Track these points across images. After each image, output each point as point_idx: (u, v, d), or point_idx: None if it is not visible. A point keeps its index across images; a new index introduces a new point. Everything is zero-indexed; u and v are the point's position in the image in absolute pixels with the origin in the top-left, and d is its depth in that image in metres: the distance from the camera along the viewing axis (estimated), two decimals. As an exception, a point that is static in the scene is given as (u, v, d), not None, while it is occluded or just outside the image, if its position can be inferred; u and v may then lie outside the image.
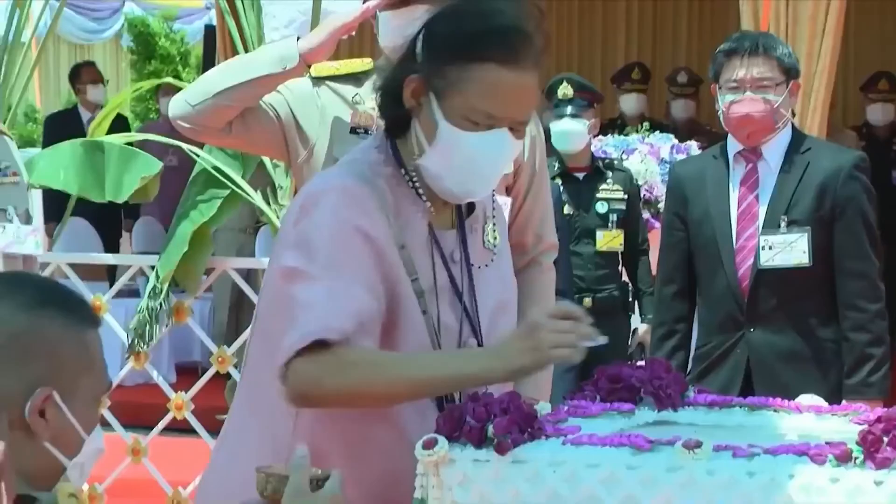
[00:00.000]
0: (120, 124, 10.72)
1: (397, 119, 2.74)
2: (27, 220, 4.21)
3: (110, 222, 10.54)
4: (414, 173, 2.73)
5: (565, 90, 6.57)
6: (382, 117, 2.80)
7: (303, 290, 2.59)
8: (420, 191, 2.73)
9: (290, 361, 2.55)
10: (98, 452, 2.17)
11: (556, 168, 6.42)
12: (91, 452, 2.14)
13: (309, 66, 3.68)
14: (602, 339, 2.63)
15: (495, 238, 2.88)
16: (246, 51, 6.09)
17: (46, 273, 6.34)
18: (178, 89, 4.14)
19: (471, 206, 2.83)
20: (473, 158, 2.66)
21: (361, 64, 3.80)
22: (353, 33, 3.76)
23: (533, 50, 2.64)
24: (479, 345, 2.76)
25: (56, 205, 9.60)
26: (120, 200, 5.97)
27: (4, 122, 5.91)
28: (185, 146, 5.98)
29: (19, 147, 9.55)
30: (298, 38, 3.69)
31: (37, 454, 2.03)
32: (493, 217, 2.89)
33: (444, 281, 2.73)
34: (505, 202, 3.69)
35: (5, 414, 2.01)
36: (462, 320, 2.75)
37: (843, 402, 3.90)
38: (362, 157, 2.77)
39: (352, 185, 2.67)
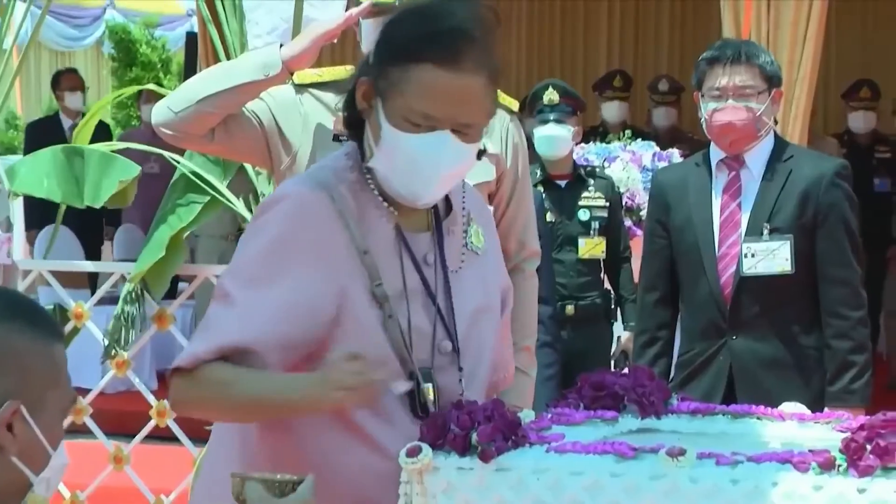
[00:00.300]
0: (102, 131, 10.70)
1: (353, 122, 2.77)
2: (7, 227, 4.18)
3: (92, 230, 10.51)
4: (370, 181, 2.74)
5: (551, 95, 6.57)
6: (344, 122, 2.81)
7: (214, 306, 2.68)
8: (382, 194, 2.73)
9: (172, 373, 2.67)
10: (63, 467, 2.19)
11: (538, 175, 6.42)
12: (57, 467, 2.14)
13: (292, 74, 3.68)
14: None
15: (480, 240, 2.87)
16: (228, 58, 6.07)
17: (28, 280, 6.32)
18: (160, 96, 4.14)
19: (449, 208, 2.83)
20: (414, 160, 2.66)
21: (344, 71, 3.79)
22: (336, 41, 3.77)
23: (476, 52, 2.63)
24: (454, 348, 2.75)
25: (38, 212, 9.58)
26: (98, 205, 5.95)
27: (-15, 130, 5.88)
28: (166, 153, 5.97)
29: (0, 154, 9.49)
30: (281, 45, 3.69)
31: (3, 469, 2.01)
32: (475, 220, 2.89)
33: (415, 284, 2.73)
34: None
35: None
36: (436, 323, 2.74)
37: (826, 409, 3.92)
38: (330, 163, 2.79)
39: (306, 193, 2.69)
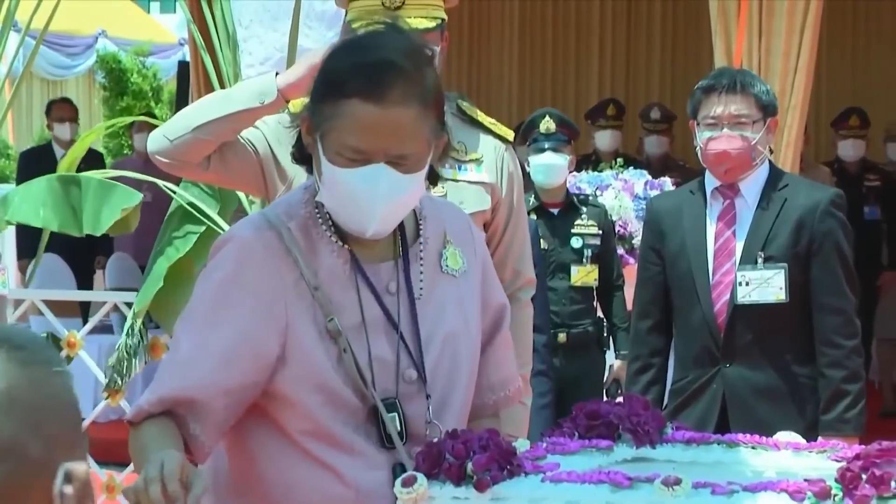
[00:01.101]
0: (94, 160, 10.71)
1: (303, 157, 2.78)
2: (-2, 257, 4.16)
3: (83, 258, 10.50)
4: (319, 215, 2.75)
5: (548, 124, 6.59)
6: (293, 156, 2.82)
7: (166, 355, 2.73)
8: (333, 228, 2.74)
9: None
10: None
11: (531, 202, 6.43)
12: None
13: (287, 101, 3.69)
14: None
15: (458, 262, 2.86)
16: (222, 86, 6.09)
17: (20, 310, 6.31)
18: (152, 126, 4.14)
19: (416, 234, 2.82)
20: (353, 194, 2.66)
21: None
22: None
23: (403, 84, 2.62)
24: (420, 376, 2.74)
25: (29, 241, 9.58)
26: (99, 233, 5.96)
27: (-23, 160, 5.89)
28: (159, 182, 5.97)
29: (-7, 183, 9.46)
30: (277, 74, 3.70)
31: None
32: (453, 242, 2.87)
33: (374, 314, 2.72)
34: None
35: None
36: (399, 352, 2.73)
37: (820, 438, 3.91)
38: (287, 199, 2.82)
39: (250, 234, 2.71)
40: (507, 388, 3.00)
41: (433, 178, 2.78)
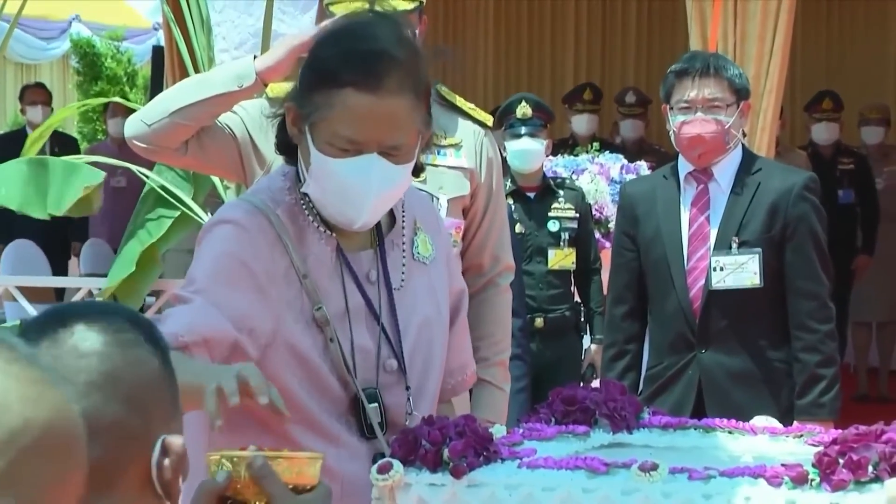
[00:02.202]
0: (69, 145, 10.68)
1: (285, 146, 2.76)
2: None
3: (58, 244, 10.47)
4: (305, 204, 2.74)
5: (524, 109, 6.58)
6: (276, 146, 2.80)
7: (174, 307, 2.69)
8: (319, 217, 2.73)
9: None
10: None
11: (508, 187, 6.42)
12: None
13: (266, 85, 3.67)
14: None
15: (428, 249, 2.86)
16: (197, 71, 6.07)
17: (-5, 295, 6.28)
18: (127, 110, 4.12)
19: (392, 221, 2.82)
20: (344, 185, 2.65)
21: None
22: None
23: (397, 74, 2.61)
24: (400, 365, 2.74)
25: (4, 227, 9.54)
26: (60, 213, 5.92)
27: (-48, 144, 5.86)
28: (133, 167, 5.95)
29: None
30: (256, 57, 3.68)
31: None
32: (423, 229, 2.87)
33: (357, 304, 2.73)
34: (457, 225, 3.69)
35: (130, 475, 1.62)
36: (380, 342, 2.74)
37: (795, 422, 3.92)
38: (267, 185, 2.80)
39: (243, 218, 2.70)
40: (465, 373, 3.01)
41: (417, 170, 2.77)
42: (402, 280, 2.79)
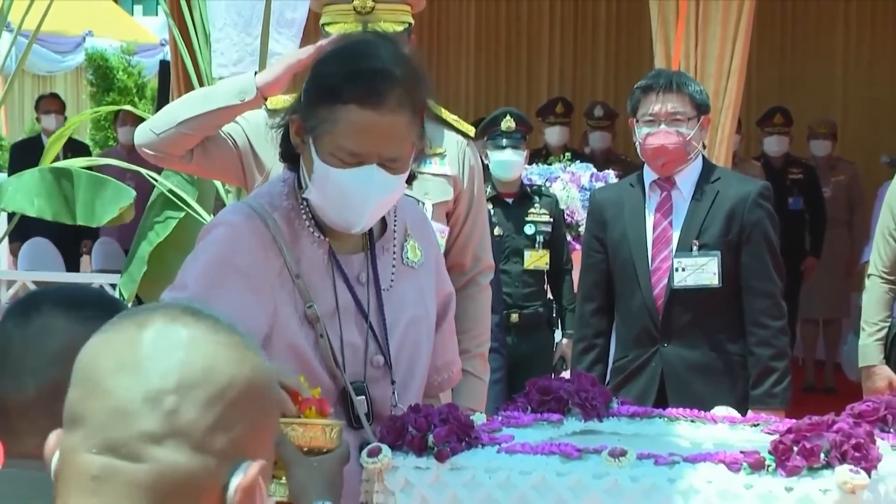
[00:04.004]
0: (81, 151, 10.64)
1: (289, 155, 2.74)
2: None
3: (71, 242, 10.43)
4: (303, 208, 2.72)
5: (509, 123, 6.59)
6: (280, 155, 2.78)
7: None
8: (314, 221, 2.71)
9: None
10: None
11: (487, 192, 6.42)
12: None
13: (265, 99, 3.66)
14: None
15: (417, 254, 2.84)
16: (201, 84, 6.05)
17: (12, 290, 6.25)
18: (136, 117, 4.11)
19: (383, 228, 2.81)
20: (345, 193, 2.64)
21: None
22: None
23: (398, 91, 2.60)
24: (387, 361, 2.73)
25: (21, 226, 9.50)
26: (94, 225, 5.93)
27: (-28, 151, 5.84)
28: (143, 171, 5.93)
29: (-14, 172, 9.34)
30: (256, 73, 3.67)
31: None
32: (413, 235, 2.86)
33: (347, 303, 2.71)
34: (442, 230, 3.68)
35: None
36: (368, 339, 2.72)
37: (749, 411, 3.92)
38: (267, 190, 2.78)
39: (241, 221, 2.68)
40: (451, 371, 3.00)
41: (409, 179, 2.76)
42: (392, 282, 2.78)
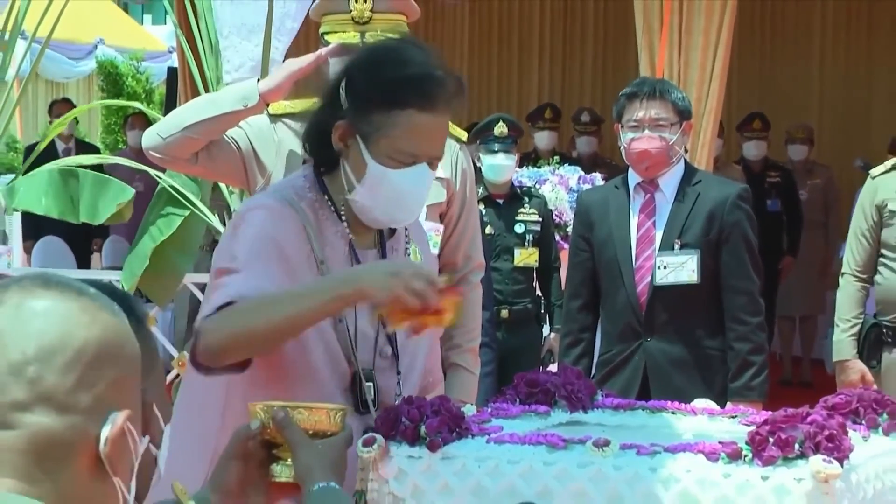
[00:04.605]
0: (92, 153, 10.61)
1: (326, 159, 2.73)
2: (3, 239, 4.11)
3: (82, 240, 10.42)
4: (329, 202, 2.72)
5: (501, 128, 6.60)
6: (311, 156, 2.77)
7: (222, 278, 2.60)
8: (342, 216, 2.71)
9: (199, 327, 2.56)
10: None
11: (479, 193, 6.42)
12: (166, 438, 1.92)
13: (267, 105, 3.66)
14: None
15: (418, 257, 2.86)
16: (206, 90, 6.05)
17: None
18: (145, 121, 4.10)
19: (392, 230, 2.82)
20: (401, 192, 2.66)
21: (313, 103, 3.77)
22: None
23: (446, 94, 2.63)
24: (394, 352, 2.75)
25: (33, 226, 9.50)
26: (97, 223, 5.91)
27: (-13, 153, 5.83)
28: (151, 171, 5.92)
29: (1, 173, 9.36)
30: (259, 80, 3.67)
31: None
32: (413, 240, 2.88)
33: None
34: (437, 229, 3.68)
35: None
36: (378, 330, 2.73)
37: (728, 403, 3.92)
38: (290, 183, 2.78)
39: (275, 206, 2.68)
40: (433, 375, 2.99)
41: None
42: None
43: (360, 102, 2.64)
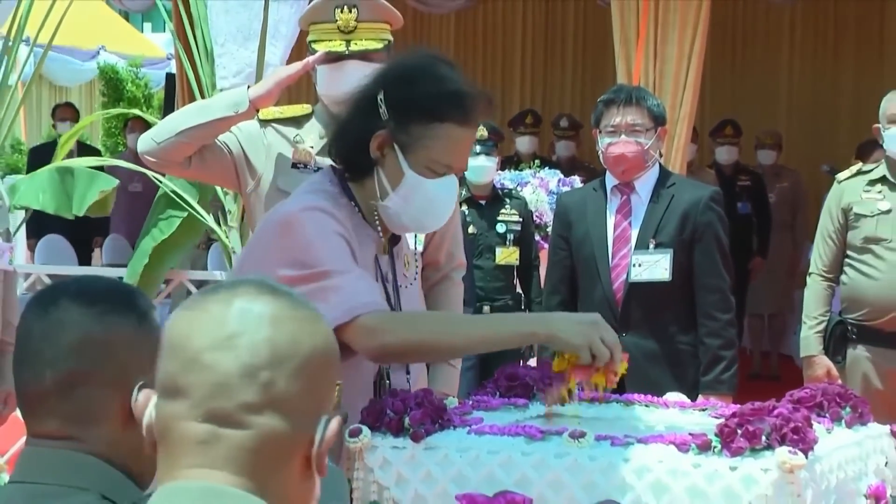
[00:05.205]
0: (93, 155, 10.59)
1: (358, 166, 2.70)
2: (7, 238, 4.11)
3: (83, 239, 10.39)
4: (357, 208, 2.71)
5: (482, 132, 6.58)
6: (341, 162, 2.74)
7: (324, 283, 2.53)
8: (376, 222, 2.72)
9: (350, 324, 2.50)
10: None
11: (462, 195, 6.42)
12: None
13: (257, 111, 3.64)
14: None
15: (412, 269, 2.88)
16: (203, 95, 6.04)
17: (28, 282, 6.21)
18: (145, 124, 4.09)
19: (396, 237, 2.82)
20: (433, 200, 2.67)
21: (301, 109, 3.77)
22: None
23: (480, 110, 2.67)
24: None
25: (36, 224, 9.48)
26: (81, 213, 5.91)
27: (-7, 154, 5.82)
28: (149, 173, 5.91)
29: (6, 174, 9.34)
30: (249, 87, 3.65)
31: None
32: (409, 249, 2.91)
33: (382, 294, 2.72)
34: None
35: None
36: None
37: (700, 396, 3.92)
38: (318, 188, 2.74)
39: (328, 207, 2.66)
40: None
41: None
42: (413, 281, 2.84)
43: (400, 114, 2.64)
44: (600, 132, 4.49)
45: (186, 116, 3.64)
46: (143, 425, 1.50)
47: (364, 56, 3.60)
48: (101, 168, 6.32)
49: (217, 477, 1.43)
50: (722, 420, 2.37)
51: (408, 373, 2.77)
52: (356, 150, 2.69)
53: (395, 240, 2.82)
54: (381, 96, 2.66)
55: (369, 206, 2.71)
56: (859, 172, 5.27)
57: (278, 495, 1.45)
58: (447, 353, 2.63)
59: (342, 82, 3.56)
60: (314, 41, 3.67)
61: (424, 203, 2.66)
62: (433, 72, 2.68)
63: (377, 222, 2.72)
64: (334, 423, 1.49)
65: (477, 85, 2.72)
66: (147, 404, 1.51)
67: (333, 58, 3.61)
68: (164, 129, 3.65)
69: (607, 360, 2.49)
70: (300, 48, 3.77)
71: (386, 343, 2.53)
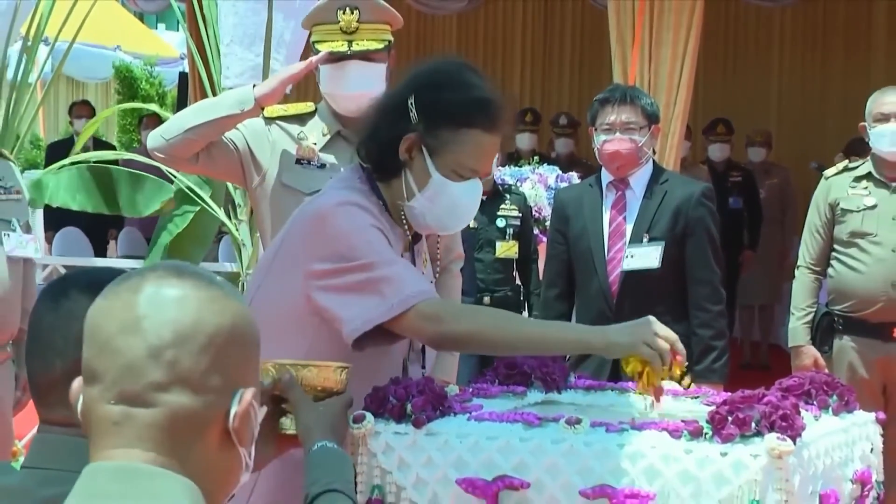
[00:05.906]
0: (107, 150, 10.59)
1: (386, 167, 2.69)
2: (28, 230, 4.12)
3: (98, 231, 10.39)
4: (384, 207, 2.70)
5: None
6: (370, 162, 2.72)
7: (370, 274, 2.52)
8: (403, 220, 2.71)
9: (406, 313, 2.49)
10: None
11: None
12: None
13: (262, 109, 3.64)
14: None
15: (426, 265, 2.88)
16: (214, 93, 6.04)
17: (45, 273, 6.20)
18: (160, 119, 4.09)
19: (416, 238, 2.81)
20: (457, 203, 2.67)
21: (305, 107, 3.77)
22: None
23: (506, 117, 2.67)
24: (423, 348, 2.77)
25: (54, 217, 9.47)
26: (139, 216, 6.00)
27: (13, 150, 5.80)
28: (163, 167, 5.92)
29: (25, 169, 9.31)
30: (255, 85, 3.65)
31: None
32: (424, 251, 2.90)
33: None
34: None
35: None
36: None
37: (692, 385, 3.91)
38: (349, 185, 2.72)
39: (360, 200, 2.65)
40: None
41: None
42: (434, 279, 2.85)
43: (430, 119, 2.63)
44: (596, 130, 4.48)
45: (194, 114, 3.63)
46: (77, 412, 1.52)
47: (365, 56, 3.60)
48: (115, 162, 6.33)
49: (132, 455, 1.44)
50: (713, 407, 2.36)
51: (423, 367, 2.77)
52: (385, 152, 2.68)
53: (415, 238, 2.81)
54: (411, 100, 2.65)
55: (396, 205, 2.70)
56: (846, 169, 5.27)
57: (196, 468, 1.46)
58: (503, 347, 2.58)
59: (344, 81, 3.58)
60: (317, 41, 3.66)
61: (449, 205, 2.66)
62: (462, 79, 2.66)
63: (404, 221, 2.71)
64: (247, 395, 1.49)
65: (507, 95, 2.73)
66: (79, 391, 1.52)
67: (336, 57, 3.61)
68: (172, 126, 3.65)
69: (667, 351, 2.47)
70: (307, 54, 3.75)
71: (449, 330, 2.52)
